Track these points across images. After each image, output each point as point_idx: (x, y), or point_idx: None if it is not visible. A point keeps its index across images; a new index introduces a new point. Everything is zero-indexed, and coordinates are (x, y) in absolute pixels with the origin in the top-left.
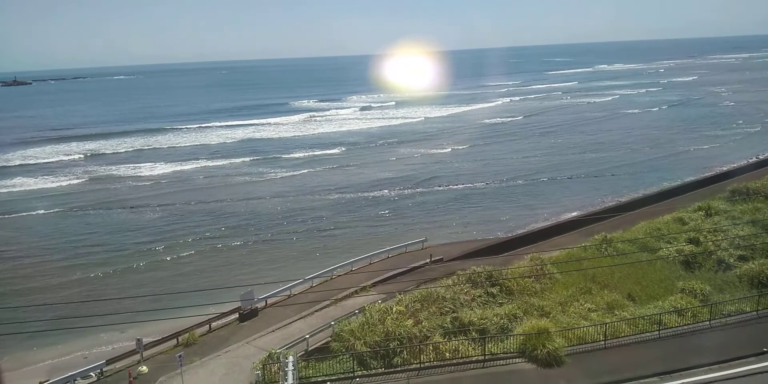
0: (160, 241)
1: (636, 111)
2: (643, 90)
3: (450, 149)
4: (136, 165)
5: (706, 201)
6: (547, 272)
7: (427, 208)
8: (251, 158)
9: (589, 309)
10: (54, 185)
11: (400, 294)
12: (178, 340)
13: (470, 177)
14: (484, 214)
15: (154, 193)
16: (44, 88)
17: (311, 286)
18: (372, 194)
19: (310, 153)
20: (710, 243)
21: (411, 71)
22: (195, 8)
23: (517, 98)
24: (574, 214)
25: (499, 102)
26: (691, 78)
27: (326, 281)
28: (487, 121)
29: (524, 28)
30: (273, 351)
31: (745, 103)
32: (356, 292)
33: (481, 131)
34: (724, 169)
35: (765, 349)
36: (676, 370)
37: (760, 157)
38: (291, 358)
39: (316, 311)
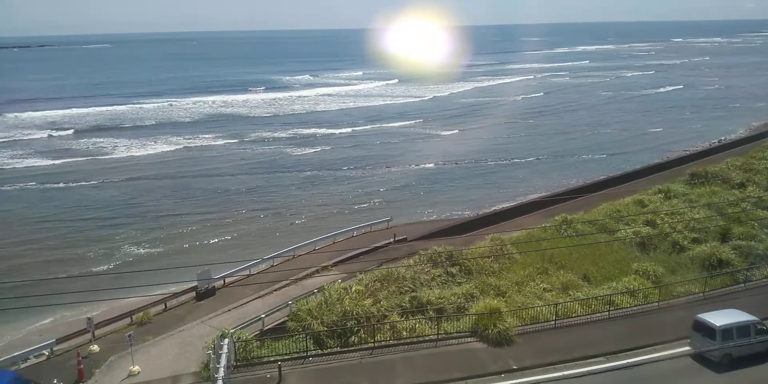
0: (121, 218)
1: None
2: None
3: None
4: (97, 140)
5: (666, 184)
6: (506, 252)
7: (396, 189)
8: (216, 134)
9: (544, 289)
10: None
11: (360, 273)
12: (132, 318)
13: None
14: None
15: (119, 170)
16: (4, 55)
17: (272, 266)
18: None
19: (293, 131)
20: (666, 225)
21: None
22: None
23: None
24: (539, 195)
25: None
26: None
27: (288, 260)
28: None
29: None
30: (225, 330)
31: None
32: (317, 271)
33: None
34: (687, 152)
35: None
36: (623, 351)
37: (722, 141)
38: (226, 341)
39: (275, 290)
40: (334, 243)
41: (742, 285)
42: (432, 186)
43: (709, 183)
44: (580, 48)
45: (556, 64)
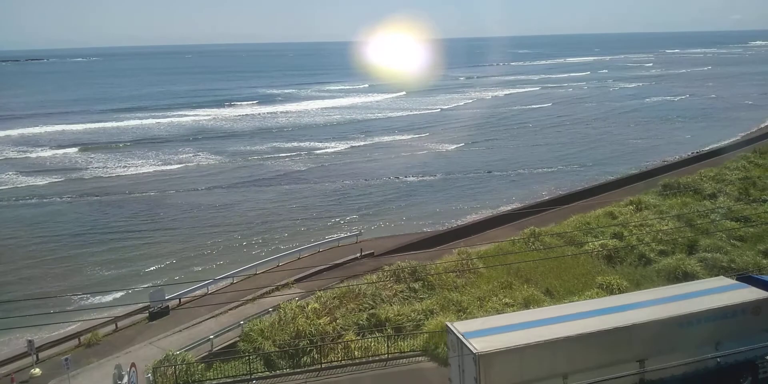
0: (86, 235)
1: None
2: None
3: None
4: (74, 157)
5: (638, 195)
6: (472, 267)
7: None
8: (196, 149)
9: (506, 304)
10: None
11: (319, 291)
12: (80, 340)
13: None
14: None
15: (92, 187)
16: None
17: (232, 283)
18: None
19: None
20: (633, 237)
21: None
22: None
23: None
24: (511, 207)
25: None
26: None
27: (248, 278)
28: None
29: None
30: (170, 353)
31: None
32: (277, 289)
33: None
34: (664, 163)
35: None
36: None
37: (697, 153)
38: (125, 377)
39: (231, 310)
40: (298, 259)
41: None
42: (410, 199)
43: (681, 194)
44: (571, 59)
45: (554, 76)
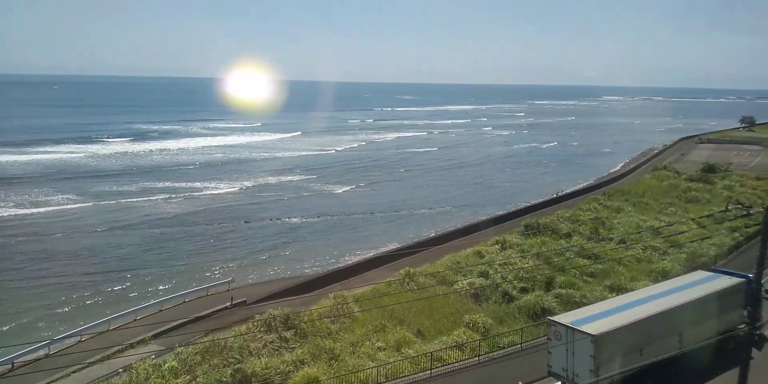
0: None
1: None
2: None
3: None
4: None
5: (504, 235)
6: (347, 311)
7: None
8: (48, 190)
9: (379, 348)
10: None
11: (180, 346)
12: None
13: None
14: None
15: None
16: None
17: (79, 342)
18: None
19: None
20: (498, 276)
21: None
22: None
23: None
24: (388, 248)
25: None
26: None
27: (100, 335)
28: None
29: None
30: None
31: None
32: (132, 346)
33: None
34: (527, 204)
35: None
36: None
37: (556, 195)
38: None
39: (75, 373)
40: (160, 311)
41: None
42: (290, 241)
43: (540, 233)
44: (450, 107)
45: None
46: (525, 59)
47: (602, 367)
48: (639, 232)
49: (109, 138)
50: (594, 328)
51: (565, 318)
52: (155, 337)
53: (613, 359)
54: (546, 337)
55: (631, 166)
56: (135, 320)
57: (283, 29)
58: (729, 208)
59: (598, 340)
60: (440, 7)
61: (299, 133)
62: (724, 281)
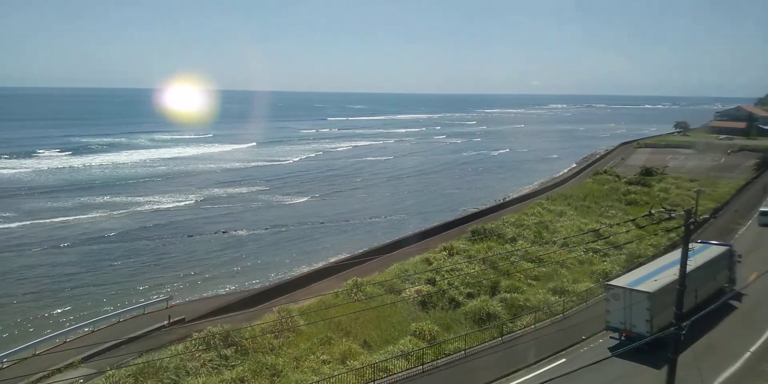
0: None
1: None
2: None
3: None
4: None
5: (451, 241)
6: (291, 325)
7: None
8: None
9: (323, 361)
10: None
11: (111, 369)
12: None
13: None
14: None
15: None
16: None
17: (1, 368)
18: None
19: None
20: (445, 282)
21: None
22: None
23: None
24: (336, 258)
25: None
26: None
27: (24, 360)
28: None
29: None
30: None
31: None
32: (59, 370)
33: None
34: (475, 209)
35: None
36: None
37: (503, 200)
38: None
39: None
40: (92, 332)
41: (500, 338)
42: (234, 254)
43: (487, 238)
44: (401, 116)
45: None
46: (474, 69)
47: (655, 317)
48: (581, 235)
49: (45, 152)
50: (647, 287)
51: (619, 282)
52: (86, 359)
53: (661, 311)
54: (604, 299)
55: (575, 170)
56: (65, 343)
57: (213, 38)
58: (652, 212)
59: (652, 296)
60: (385, 16)
61: (254, 143)
62: (717, 249)
